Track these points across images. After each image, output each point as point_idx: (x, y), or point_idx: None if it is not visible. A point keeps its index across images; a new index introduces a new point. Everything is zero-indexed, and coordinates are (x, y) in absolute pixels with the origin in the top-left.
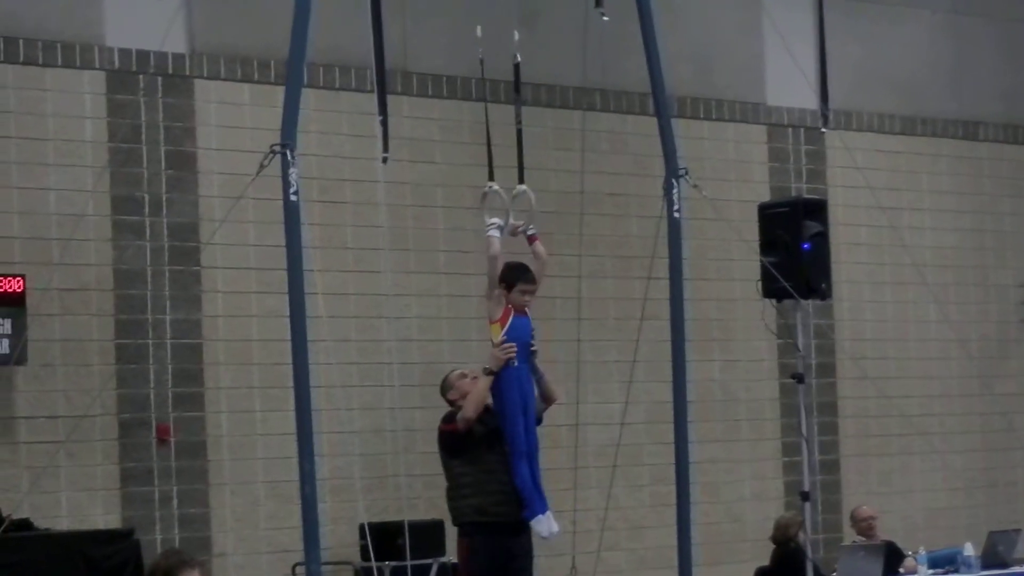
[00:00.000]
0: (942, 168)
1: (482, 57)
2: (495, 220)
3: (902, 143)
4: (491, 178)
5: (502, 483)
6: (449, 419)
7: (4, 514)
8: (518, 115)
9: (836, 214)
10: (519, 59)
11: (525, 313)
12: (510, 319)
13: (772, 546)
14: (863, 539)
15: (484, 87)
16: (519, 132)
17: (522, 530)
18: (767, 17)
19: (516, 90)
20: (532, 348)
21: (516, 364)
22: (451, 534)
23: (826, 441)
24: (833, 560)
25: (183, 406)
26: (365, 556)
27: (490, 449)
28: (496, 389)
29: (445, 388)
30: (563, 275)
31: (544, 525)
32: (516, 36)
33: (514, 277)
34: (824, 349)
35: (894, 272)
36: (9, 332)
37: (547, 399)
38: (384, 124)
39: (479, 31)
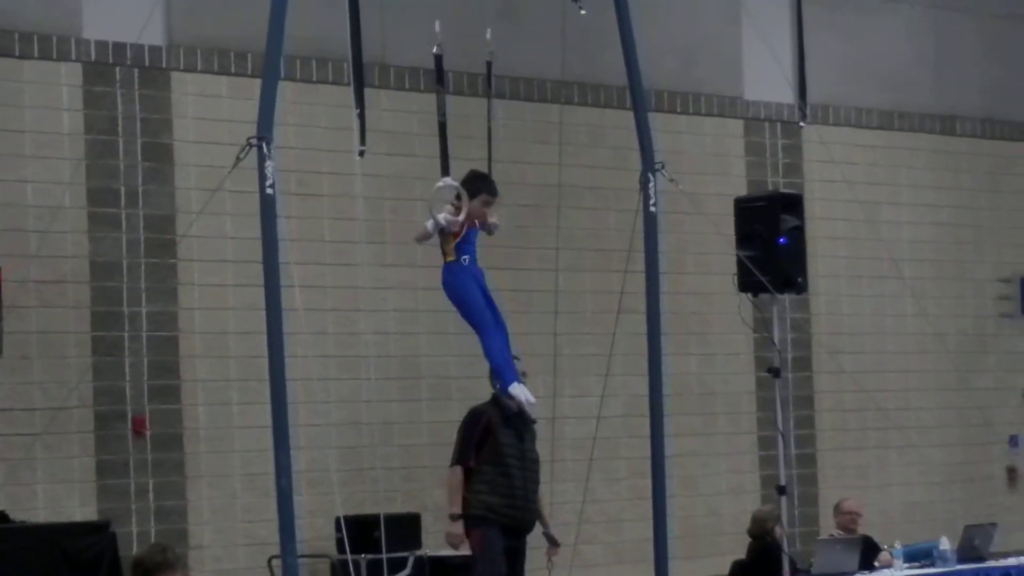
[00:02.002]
0: (920, 163)
1: (440, 52)
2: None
3: (880, 137)
4: (445, 173)
5: (513, 488)
6: (476, 412)
7: None
8: (489, 112)
9: (813, 208)
10: (492, 55)
11: (479, 221)
12: (463, 232)
13: (749, 539)
14: (841, 532)
15: (446, 79)
16: (489, 129)
17: (523, 535)
18: (745, 11)
19: (488, 85)
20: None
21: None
22: (427, 527)
23: (803, 435)
24: (809, 553)
25: (160, 399)
26: (341, 549)
27: (519, 464)
28: (452, 286)
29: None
30: (540, 268)
31: (521, 391)
32: (488, 34)
33: (478, 187)
34: (801, 343)
35: (871, 266)
36: None
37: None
38: (361, 117)
39: (438, 26)
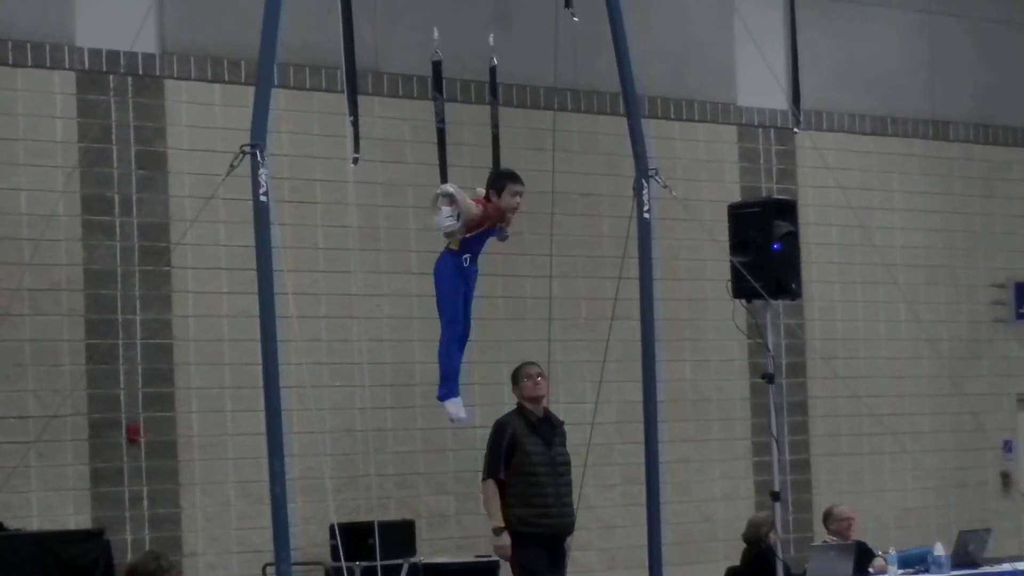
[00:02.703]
0: (913, 168)
1: (439, 59)
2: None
3: (873, 143)
4: (444, 180)
5: (545, 496)
6: (501, 424)
7: None
8: (494, 118)
9: (807, 214)
10: (495, 62)
11: (503, 224)
12: (477, 232)
13: (743, 545)
14: (835, 539)
15: (441, 86)
16: (495, 136)
17: (555, 543)
18: (739, 17)
19: (492, 93)
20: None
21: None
22: (421, 534)
23: (797, 441)
24: (803, 560)
25: (153, 406)
26: (336, 556)
27: (548, 471)
28: (441, 275)
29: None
30: (535, 275)
31: (455, 407)
32: (491, 40)
33: (504, 179)
34: (795, 349)
35: (864, 272)
36: None
37: None
38: (355, 124)
39: (436, 33)
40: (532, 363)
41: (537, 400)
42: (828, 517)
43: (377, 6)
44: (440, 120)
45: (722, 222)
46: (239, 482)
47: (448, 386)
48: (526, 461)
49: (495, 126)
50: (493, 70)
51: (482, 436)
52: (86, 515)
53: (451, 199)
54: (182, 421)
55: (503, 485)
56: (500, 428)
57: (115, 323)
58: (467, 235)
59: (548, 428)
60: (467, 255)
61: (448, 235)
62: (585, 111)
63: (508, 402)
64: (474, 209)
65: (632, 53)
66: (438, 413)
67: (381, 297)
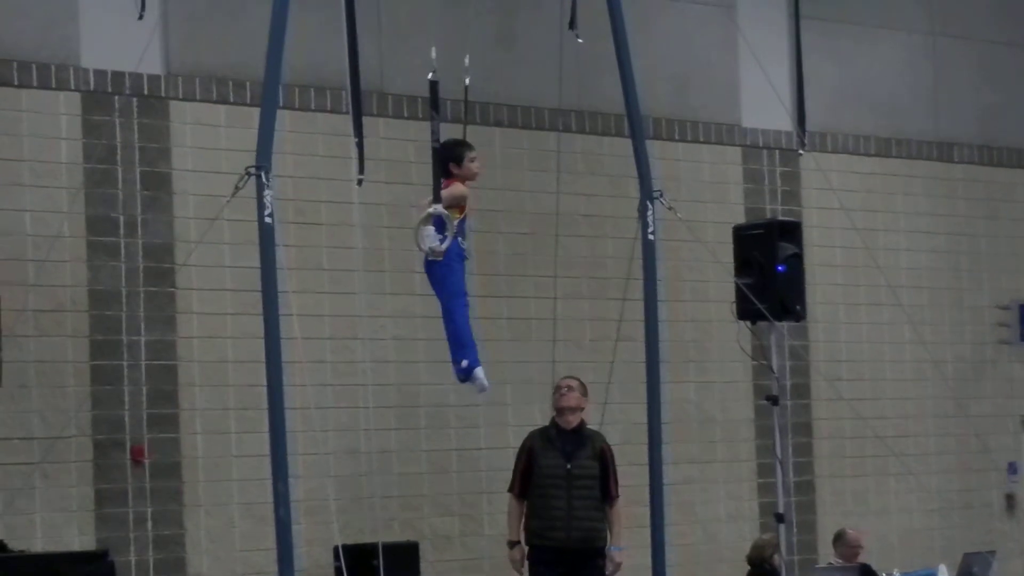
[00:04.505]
0: (917, 189)
1: (436, 79)
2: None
3: (877, 164)
4: (437, 200)
5: (551, 508)
6: (525, 438)
7: None
8: (435, 133)
9: (811, 236)
10: (436, 77)
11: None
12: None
13: (747, 567)
14: (840, 561)
15: (443, 106)
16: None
17: (575, 558)
18: (743, 39)
19: (434, 107)
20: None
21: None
22: (425, 555)
23: (801, 462)
24: None
25: (158, 427)
26: None
27: (563, 483)
28: (436, 275)
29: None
30: (538, 296)
31: (483, 375)
32: (433, 53)
33: (459, 148)
34: (799, 370)
35: (869, 294)
36: None
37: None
38: (360, 145)
39: (433, 53)
40: (569, 376)
41: (562, 411)
42: (839, 540)
43: (382, 27)
44: (435, 139)
45: (726, 243)
46: (243, 503)
47: (475, 353)
48: (539, 474)
49: (436, 140)
50: (434, 84)
51: (487, 458)
52: (90, 536)
53: (440, 220)
54: (186, 442)
55: (525, 499)
56: (522, 444)
57: (120, 344)
58: (461, 216)
59: (572, 441)
60: (460, 237)
61: (435, 254)
62: (589, 132)
63: (513, 424)
64: (461, 189)
65: (636, 74)
66: (442, 434)
67: (385, 318)
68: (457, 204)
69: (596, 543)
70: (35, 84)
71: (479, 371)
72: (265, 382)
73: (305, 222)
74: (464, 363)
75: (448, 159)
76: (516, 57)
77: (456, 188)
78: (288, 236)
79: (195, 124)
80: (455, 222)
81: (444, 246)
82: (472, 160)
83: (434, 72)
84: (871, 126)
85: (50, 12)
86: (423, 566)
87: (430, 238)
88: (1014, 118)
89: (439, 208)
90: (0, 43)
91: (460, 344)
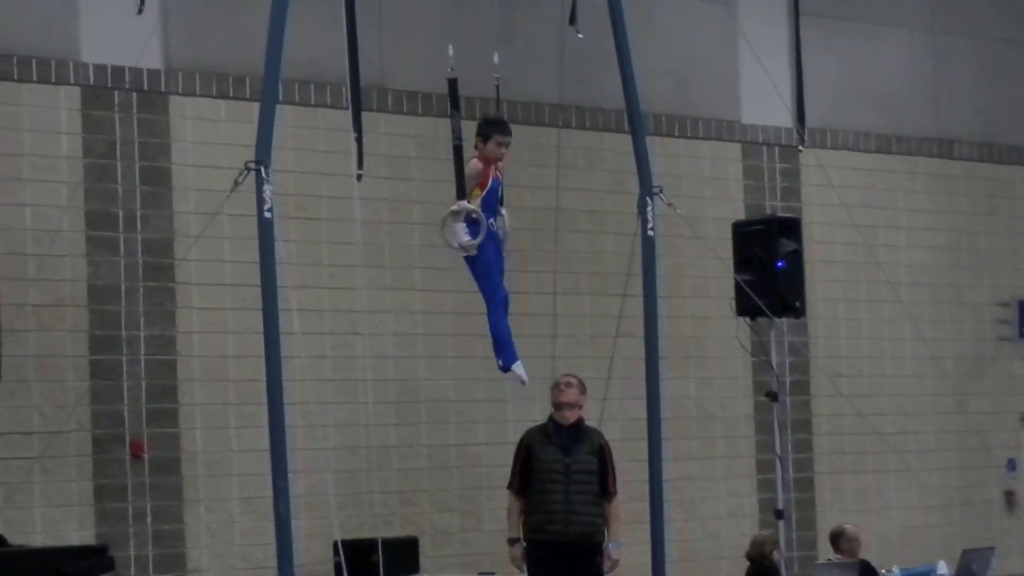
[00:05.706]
0: (917, 186)
1: (455, 76)
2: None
3: (877, 161)
4: (461, 196)
5: (549, 503)
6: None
7: None
8: (456, 131)
9: (811, 232)
10: (454, 74)
11: (497, 172)
12: (489, 182)
13: (747, 564)
14: (839, 557)
15: (458, 103)
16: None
17: (573, 553)
18: (743, 35)
19: (454, 106)
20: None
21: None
22: (425, 551)
23: (801, 459)
24: None
25: (157, 422)
26: (339, 573)
27: (561, 479)
28: (476, 261)
29: None
30: (538, 292)
31: (521, 370)
32: (451, 50)
33: (491, 129)
34: (799, 367)
35: (869, 290)
36: None
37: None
38: (359, 141)
39: (451, 50)
40: (569, 373)
41: (559, 407)
42: (839, 537)
43: (382, 23)
44: (457, 137)
45: (726, 240)
46: (243, 498)
47: (512, 350)
48: (537, 469)
49: (457, 138)
50: (453, 82)
51: (486, 453)
52: (90, 531)
53: (471, 216)
54: (186, 437)
55: (524, 496)
56: (519, 441)
57: (119, 339)
58: (482, 193)
59: (570, 436)
60: (490, 219)
61: (467, 249)
62: (590, 128)
63: (512, 420)
64: (474, 165)
65: (636, 71)
66: (442, 430)
67: (385, 314)
68: (474, 181)
69: (594, 538)
70: (35, 79)
71: (517, 366)
72: (265, 377)
73: (305, 217)
74: (500, 362)
75: (479, 132)
76: (516, 53)
77: (470, 166)
78: (288, 231)
79: (195, 119)
80: (478, 200)
81: (478, 239)
82: (500, 146)
83: (452, 69)
84: (871, 123)
85: (50, 7)
86: (423, 562)
87: (459, 234)
88: (1014, 115)
89: (464, 204)
90: (0, 38)
91: (496, 343)
